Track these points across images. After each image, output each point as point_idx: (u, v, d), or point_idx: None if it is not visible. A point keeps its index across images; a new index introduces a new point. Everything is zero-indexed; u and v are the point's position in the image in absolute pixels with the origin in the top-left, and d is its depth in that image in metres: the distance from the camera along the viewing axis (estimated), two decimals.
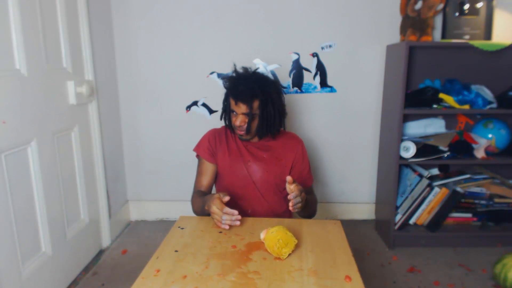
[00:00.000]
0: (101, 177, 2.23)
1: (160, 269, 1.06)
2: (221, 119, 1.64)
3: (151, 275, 1.04)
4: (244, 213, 1.33)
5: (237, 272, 1.05)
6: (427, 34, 2.18)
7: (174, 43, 2.41)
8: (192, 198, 1.60)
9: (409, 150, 2.17)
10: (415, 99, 2.18)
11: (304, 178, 1.68)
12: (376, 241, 2.40)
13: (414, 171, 2.31)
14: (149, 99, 2.51)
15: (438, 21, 2.32)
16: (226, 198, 1.31)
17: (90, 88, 2.01)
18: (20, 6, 1.50)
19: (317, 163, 2.60)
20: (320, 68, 2.43)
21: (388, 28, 2.37)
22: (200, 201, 1.48)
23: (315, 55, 2.41)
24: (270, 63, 2.42)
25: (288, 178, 1.33)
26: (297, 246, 1.16)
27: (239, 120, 1.52)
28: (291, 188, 1.34)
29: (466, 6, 2.22)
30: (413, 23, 2.19)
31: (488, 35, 2.24)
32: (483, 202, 2.32)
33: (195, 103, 2.50)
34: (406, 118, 2.35)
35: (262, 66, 2.41)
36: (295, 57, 2.41)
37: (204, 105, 2.50)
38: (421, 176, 2.25)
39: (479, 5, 2.21)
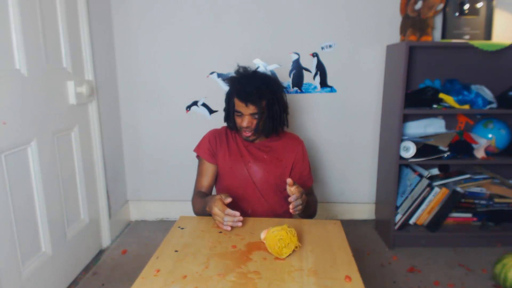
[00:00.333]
0: (101, 177, 2.23)
1: (160, 269, 1.06)
2: (225, 121, 1.62)
3: (151, 275, 1.04)
4: (244, 214, 1.33)
5: (237, 272, 1.05)
6: (427, 34, 2.18)
7: (174, 43, 2.41)
8: (192, 199, 1.60)
9: (409, 150, 2.17)
10: (415, 99, 2.18)
11: (304, 178, 1.68)
12: (376, 241, 2.40)
13: (414, 171, 2.31)
14: (149, 99, 2.51)
15: (438, 21, 2.32)
16: (228, 200, 1.30)
17: (90, 88, 2.01)
18: (20, 6, 1.50)
19: (317, 163, 2.60)
20: (320, 68, 2.43)
21: (388, 28, 2.37)
22: (201, 202, 1.48)
23: (315, 55, 2.41)
24: (270, 63, 2.42)
25: (289, 180, 1.33)
26: (298, 247, 1.15)
27: (246, 121, 1.51)
28: (292, 190, 1.33)
29: (466, 6, 2.22)
30: (413, 23, 2.18)
31: (488, 35, 2.24)
32: (483, 202, 2.32)
33: (195, 103, 2.50)
34: (406, 118, 2.36)
35: (262, 66, 2.41)
36: (295, 57, 2.41)
37: (204, 105, 2.50)
38: (421, 176, 2.25)
39: (479, 5, 2.21)
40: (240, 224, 1.30)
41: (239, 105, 1.51)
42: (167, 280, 1.02)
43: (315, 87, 2.47)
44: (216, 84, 2.46)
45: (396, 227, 2.29)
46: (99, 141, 2.19)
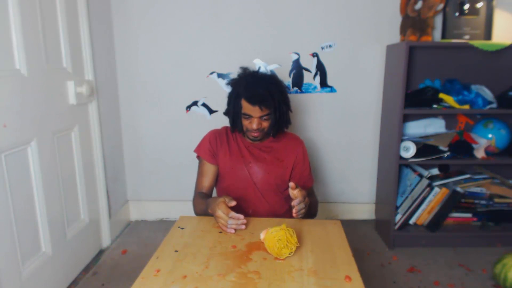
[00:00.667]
0: (101, 177, 2.23)
1: (160, 269, 1.06)
2: (232, 124, 1.60)
3: (151, 275, 1.04)
4: (245, 214, 1.32)
5: (237, 272, 1.05)
6: (427, 34, 2.18)
7: (174, 43, 2.41)
8: (193, 200, 1.60)
9: (409, 150, 2.17)
10: (415, 99, 2.18)
11: (304, 179, 1.68)
12: (376, 241, 2.40)
13: (414, 171, 2.31)
14: (149, 99, 2.51)
15: (438, 21, 2.32)
16: (233, 203, 1.30)
17: (90, 88, 2.01)
18: (20, 6, 1.50)
19: (317, 163, 2.60)
20: (320, 68, 2.43)
21: (388, 28, 2.37)
22: (203, 203, 1.47)
23: (315, 55, 2.41)
24: (270, 63, 2.42)
25: (291, 184, 1.32)
26: (297, 246, 1.15)
27: (256, 124, 1.51)
28: (295, 194, 1.32)
29: (466, 6, 2.22)
30: (413, 23, 2.18)
31: (488, 35, 2.24)
32: (483, 202, 2.32)
33: (195, 103, 2.50)
34: (406, 118, 2.36)
35: (262, 66, 2.41)
36: (295, 57, 2.41)
37: (204, 105, 2.50)
38: (421, 176, 2.25)
39: (479, 5, 2.21)
40: (243, 227, 1.31)
41: (248, 108, 1.49)
42: (167, 280, 1.02)
43: (315, 87, 2.47)
44: (216, 84, 2.46)
45: (396, 227, 2.29)
46: (99, 141, 2.19)
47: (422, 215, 2.31)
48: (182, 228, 1.34)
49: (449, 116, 2.40)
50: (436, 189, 2.25)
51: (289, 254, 1.13)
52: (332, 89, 2.48)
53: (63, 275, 1.85)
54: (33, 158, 1.61)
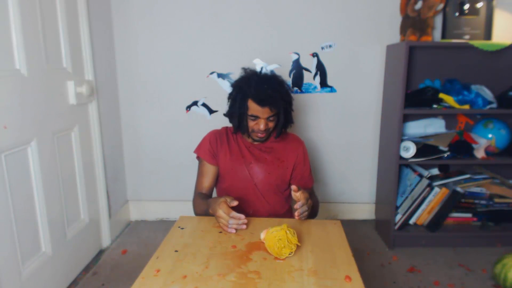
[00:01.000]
0: (101, 177, 2.23)
1: (160, 269, 1.06)
2: (237, 126, 1.57)
3: (151, 275, 1.04)
4: (245, 214, 1.32)
5: (237, 272, 1.05)
6: (427, 34, 2.18)
7: (174, 43, 2.41)
8: (193, 200, 1.60)
9: (409, 150, 2.17)
10: (415, 99, 2.18)
11: (305, 179, 1.68)
12: (376, 241, 2.40)
13: (414, 171, 2.31)
14: (149, 99, 2.51)
15: (438, 21, 2.32)
16: (234, 203, 1.30)
17: (90, 88, 2.01)
18: (20, 6, 1.50)
19: (317, 163, 2.60)
20: (320, 68, 2.43)
21: (388, 28, 2.37)
22: (203, 204, 1.47)
23: (315, 55, 2.41)
24: (270, 63, 2.42)
25: (294, 187, 1.32)
26: (297, 246, 1.15)
27: (263, 125, 1.50)
28: (297, 196, 1.32)
29: (466, 6, 2.21)
30: (413, 23, 2.18)
31: (488, 35, 2.24)
32: (483, 202, 2.32)
33: (195, 103, 2.50)
34: (406, 118, 2.36)
35: (262, 66, 2.41)
36: (295, 57, 2.41)
37: (204, 105, 2.50)
38: (421, 176, 2.25)
39: (479, 5, 2.21)
40: (244, 227, 1.31)
41: (256, 109, 1.48)
42: (167, 280, 1.02)
43: (315, 87, 2.47)
44: (216, 84, 2.46)
45: (396, 227, 2.29)
46: (99, 141, 2.19)
47: (422, 215, 2.31)
48: (182, 228, 1.34)
49: (449, 116, 2.41)
50: (436, 189, 2.25)
51: (289, 254, 1.13)
52: (332, 89, 2.48)
53: (63, 275, 1.85)
54: (33, 158, 1.61)
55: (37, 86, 1.64)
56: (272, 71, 1.64)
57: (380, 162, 2.48)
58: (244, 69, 1.61)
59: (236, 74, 2.42)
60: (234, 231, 1.29)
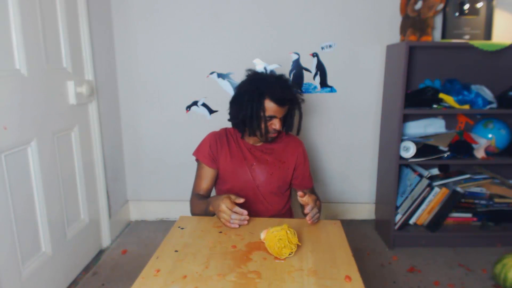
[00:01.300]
0: (101, 177, 2.23)
1: (160, 269, 1.06)
2: (249, 127, 1.52)
3: (151, 275, 1.04)
4: None
5: (237, 272, 1.05)
6: (427, 34, 2.18)
7: (174, 43, 2.41)
8: (191, 200, 1.59)
9: (409, 150, 2.17)
10: (415, 99, 2.18)
11: (306, 180, 1.68)
12: (376, 241, 2.40)
13: (414, 171, 2.31)
14: (149, 99, 2.51)
15: (438, 21, 2.32)
16: (240, 200, 1.31)
17: (90, 88, 2.01)
18: (20, 6, 1.50)
19: (317, 163, 2.60)
20: (320, 68, 2.43)
21: (388, 28, 2.37)
22: (202, 203, 1.47)
23: (315, 55, 2.41)
24: (270, 63, 2.42)
25: (300, 193, 1.33)
26: (297, 246, 1.15)
27: (279, 124, 1.50)
28: (305, 200, 1.32)
29: (466, 6, 2.21)
30: (413, 23, 2.18)
31: (488, 35, 2.24)
32: (483, 202, 2.32)
33: (195, 103, 2.50)
34: (406, 118, 2.36)
35: (262, 66, 2.41)
36: (295, 57, 2.41)
37: (204, 105, 2.50)
38: (421, 176, 2.25)
39: (479, 5, 2.21)
40: (246, 222, 1.32)
41: (273, 109, 1.47)
42: (167, 280, 1.02)
43: (315, 87, 2.47)
44: (216, 84, 2.45)
45: (396, 227, 2.29)
46: (99, 141, 2.19)
47: (422, 215, 2.31)
48: (182, 228, 1.34)
49: (449, 116, 2.41)
50: (436, 189, 2.25)
51: (290, 254, 1.13)
52: (332, 89, 2.48)
53: (63, 275, 1.85)
54: (33, 158, 1.61)
55: (37, 86, 1.64)
56: (272, 71, 1.63)
57: (380, 162, 2.48)
58: (251, 71, 1.60)
59: (236, 74, 2.43)
60: (236, 226, 1.30)
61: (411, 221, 2.33)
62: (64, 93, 1.85)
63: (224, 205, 1.30)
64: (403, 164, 2.33)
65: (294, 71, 2.43)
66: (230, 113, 1.61)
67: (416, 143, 2.18)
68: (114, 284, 1.91)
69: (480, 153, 2.19)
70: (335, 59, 2.42)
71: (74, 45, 1.94)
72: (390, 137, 2.25)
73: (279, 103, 1.47)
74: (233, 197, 1.33)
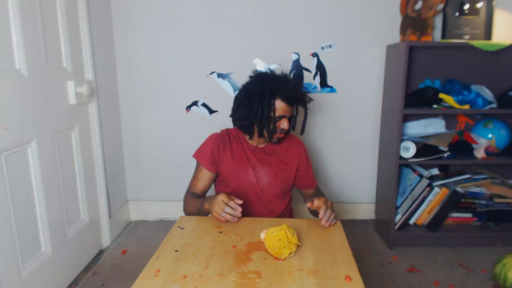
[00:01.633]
0: (101, 177, 2.23)
1: (160, 269, 1.06)
2: (259, 128, 1.51)
3: (151, 275, 1.04)
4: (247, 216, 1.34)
5: (237, 272, 1.05)
6: (427, 34, 2.18)
7: (174, 43, 2.41)
8: (185, 197, 1.58)
9: (409, 150, 2.17)
10: (415, 99, 2.18)
11: (309, 180, 1.68)
12: (376, 241, 2.40)
13: (414, 171, 2.31)
14: (149, 99, 2.51)
15: (438, 21, 2.32)
16: (239, 201, 1.32)
17: (90, 88, 2.01)
18: (20, 6, 1.50)
19: (317, 163, 2.60)
20: (320, 68, 2.43)
21: (388, 28, 2.37)
22: (197, 201, 1.47)
23: (315, 55, 2.41)
24: (270, 63, 2.42)
25: (309, 204, 1.34)
26: (297, 246, 1.15)
27: (287, 123, 1.52)
28: (316, 206, 1.33)
29: (466, 6, 2.21)
30: (413, 23, 2.19)
31: (488, 35, 2.24)
32: (483, 202, 2.32)
33: (195, 103, 2.50)
34: (406, 118, 2.36)
35: (262, 66, 2.41)
36: (295, 57, 2.41)
37: (204, 105, 2.50)
38: (421, 176, 2.25)
39: (479, 5, 2.21)
40: (236, 219, 1.33)
41: (283, 109, 1.48)
42: (167, 280, 1.02)
43: (315, 87, 2.47)
44: (216, 84, 2.45)
45: (396, 227, 2.29)
46: (99, 141, 2.19)
47: (422, 215, 2.31)
48: (182, 228, 1.34)
49: (449, 116, 2.41)
50: (436, 189, 2.25)
51: (289, 254, 1.13)
52: (332, 89, 2.48)
53: (63, 275, 1.85)
54: (33, 158, 1.61)
55: (37, 86, 1.64)
56: (272, 71, 1.64)
57: (380, 162, 2.48)
58: (255, 72, 1.60)
59: (236, 74, 2.43)
60: (225, 220, 1.31)
61: (411, 221, 2.33)
62: (64, 93, 1.85)
63: (220, 198, 1.31)
64: (403, 164, 2.33)
65: (294, 71, 2.43)
66: (235, 115, 1.57)
67: (416, 143, 2.18)
68: (114, 284, 1.91)
69: (480, 153, 2.19)
70: (335, 59, 2.42)
71: (74, 45, 1.94)
72: (390, 137, 2.25)
73: (289, 103, 1.48)
74: (232, 196, 1.33)
